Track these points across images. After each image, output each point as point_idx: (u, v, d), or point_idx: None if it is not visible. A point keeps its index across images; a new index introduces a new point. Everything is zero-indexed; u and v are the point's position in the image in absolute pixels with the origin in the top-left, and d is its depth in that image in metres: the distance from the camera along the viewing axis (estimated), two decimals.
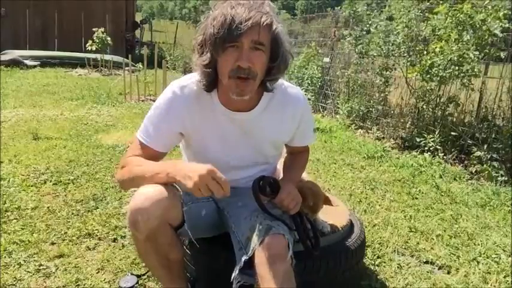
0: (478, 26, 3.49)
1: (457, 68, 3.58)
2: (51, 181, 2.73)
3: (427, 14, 4.04)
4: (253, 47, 1.15)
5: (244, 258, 1.20)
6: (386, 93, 4.71)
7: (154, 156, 1.33)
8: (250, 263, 1.19)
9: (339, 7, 5.86)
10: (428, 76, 3.76)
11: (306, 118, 1.45)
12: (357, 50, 5.00)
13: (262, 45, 1.16)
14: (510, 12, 3.52)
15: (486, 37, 3.48)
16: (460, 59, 3.53)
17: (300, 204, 1.35)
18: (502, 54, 3.52)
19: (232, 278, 1.20)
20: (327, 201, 1.50)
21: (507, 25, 3.40)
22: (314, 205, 1.46)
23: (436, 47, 3.66)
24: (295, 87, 1.43)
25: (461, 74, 3.61)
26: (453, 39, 3.57)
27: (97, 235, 2.07)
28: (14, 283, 1.66)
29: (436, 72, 3.68)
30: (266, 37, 1.17)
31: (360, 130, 4.91)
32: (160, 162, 1.30)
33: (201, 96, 1.31)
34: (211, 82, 1.27)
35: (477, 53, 3.48)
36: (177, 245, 1.37)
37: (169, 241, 1.33)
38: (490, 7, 3.49)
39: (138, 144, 1.33)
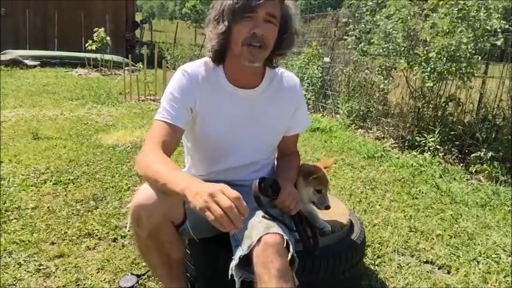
0: (472, 19, 3.50)
1: (454, 64, 3.58)
2: (51, 181, 2.73)
3: (425, 12, 4.04)
4: (267, 19, 1.24)
5: (239, 254, 1.20)
6: (386, 91, 4.71)
7: (174, 133, 1.30)
8: (249, 260, 1.19)
9: (340, 6, 5.83)
10: (423, 69, 3.77)
11: (302, 102, 1.54)
12: (357, 49, 5.00)
13: (274, 18, 1.26)
14: (510, 12, 3.52)
15: (481, 29, 3.48)
16: (455, 52, 3.53)
17: (300, 204, 1.35)
18: (499, 42, 3.48)
19: (229, 275, 1.20)
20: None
21: (506, 25, 3.39)
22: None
23: (428, 37, 3.69)
24: (290, 73, 1.52)
25: (459, 71, 3.61)
26: (446, 30, 3.58)
27: (97, 235, 2.07)
28: (14, 283, 1.66)
29: (433, 66, 3.68)
30: (278, 11, 1.27)
31: (360, 130, 4.91)
32: (177, 173, 1.15)
33: (208, 75, 1.37)
34: (221, 53, 1.34)
35: (472, 43, 3.47)
36: (178, 243, 1.38)
37: (171, 239, 1.33)
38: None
39: (157, 126, 1.31)
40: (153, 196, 1.18)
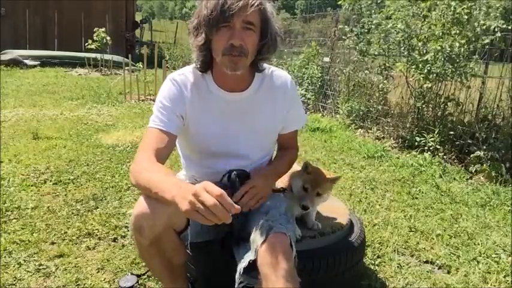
0: (465, 19, 3.50)
1: (451, 66, 3.58)
2: (51, 181, 2.73)
3: (423, 13, 4.03)
4: (244, 27, 1.22)
5: (249, 259, 1.19)
6: (385, 91, 4.71)
7: (168, 140, 1.29)
8: (253, 264, 1.19)
9: (339, 4, 5.78)
10: (420, 70, 3.77)
11: (296, 99, 1.51)
12: (357, 49, 4.99)
13: (252, 25, 1.23)
14: (510, 12, 3.51)
15: (475, 31, 3.48)
16: (451, 54, 3.53)
17: (265, 199, 1.32)
18: (488, 39, 3.45)
19: (236, 278, 1.20)
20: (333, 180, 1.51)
21: (504, 25, 3.39)
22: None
23: (419, 43, 3.68)
24: (281, 70, 1.49)
25: (457, 72, 3.61)
26: (440, 34, 3.57)
27: (97, 235, 2.07)
28: (14, 283, 1.67)
29: (429, 68, 3.68)
30: (256, 17, 1.24)
31: (359, 130, 4.91)
32: (169, 179, 1.13)
33: (197, 82, 1.37)
34: (207, 62, 1.33)
35: (465, 45, 3.46)
36: (180, 249, 1.37)
37: (173, 246, 1.33)
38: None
39: (150, 134, 1.30)
40: (155, 205, 1.16)
